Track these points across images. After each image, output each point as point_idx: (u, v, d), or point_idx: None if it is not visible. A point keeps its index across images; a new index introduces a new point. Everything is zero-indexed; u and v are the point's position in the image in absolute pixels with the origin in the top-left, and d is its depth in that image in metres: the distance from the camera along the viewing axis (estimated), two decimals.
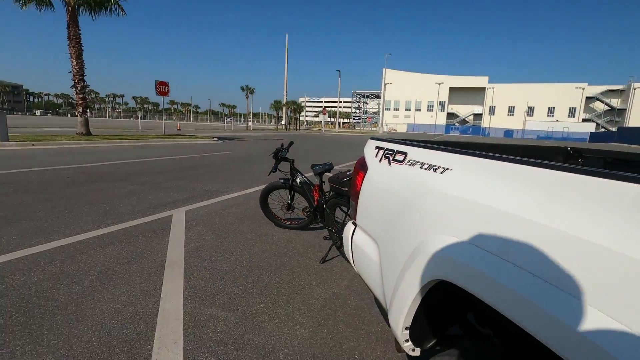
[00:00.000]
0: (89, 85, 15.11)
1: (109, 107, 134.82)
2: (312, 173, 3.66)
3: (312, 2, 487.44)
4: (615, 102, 75.09)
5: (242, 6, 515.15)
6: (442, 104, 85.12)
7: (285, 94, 60.16)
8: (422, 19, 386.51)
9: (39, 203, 4.79)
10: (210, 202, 5.39)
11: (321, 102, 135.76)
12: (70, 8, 13.93)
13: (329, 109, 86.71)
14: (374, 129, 78.30)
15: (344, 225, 3.16)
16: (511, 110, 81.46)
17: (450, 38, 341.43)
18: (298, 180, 3.87)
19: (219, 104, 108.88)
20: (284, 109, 58.68)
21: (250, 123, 57.78)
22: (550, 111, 78.35)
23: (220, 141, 18.96)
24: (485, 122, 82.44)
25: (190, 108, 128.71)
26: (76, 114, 15.03)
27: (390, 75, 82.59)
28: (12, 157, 9.08)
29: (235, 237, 3.87)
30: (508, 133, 77.02)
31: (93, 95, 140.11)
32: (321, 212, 3.60)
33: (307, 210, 4.05)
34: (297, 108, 59.30)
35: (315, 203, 3.64)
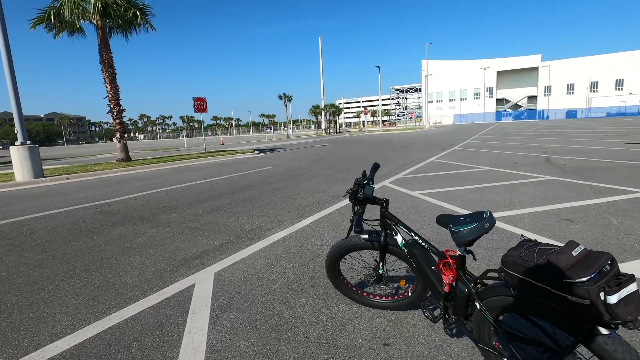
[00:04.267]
0: (125, 110, 14.62)
1: (159, 129, 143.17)
2: (436, 222, 1.87)
3: (342, 3, 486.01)
4: None
5: (273, 17, 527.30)
6: (489, 89, 79.09)
7: (322, 97, 58.96)
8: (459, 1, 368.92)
9: (18, 277, 3.50)
10: (249, 251, 3.82)
11: (359, 102, 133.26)
12: (100, 31, 13.48)
13: (369, 108, 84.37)
14: (418, 123, 74.35)
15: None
16: (570, 88, 73.46)
17: (493, 16, 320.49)
18: (399, 239, 2.12)
19: (259, 115, 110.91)
20: (323, 112, 57.40)
21: (290, 131, 57.21)
22: (619, 84, 69.40)
23: (261, 154, 17.81)
24: (540, 105, 75.10)
25: (233, 122, 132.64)
26: (114, 140, 14.59)
27: (431, 65, 78.25)
28: (40, 195, 8.34)
29: (292, 338, 2.21)
30: (570, 113, 69.42)
31: (145, 119, 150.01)
32: (462, 308, 1.79)
33: (411, 285, 2.33)
34: (336, 111, 57.73)
35: (447, 289, 1.85)
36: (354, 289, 2.56)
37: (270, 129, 53.46)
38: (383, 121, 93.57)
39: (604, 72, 69.93)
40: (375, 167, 2.41)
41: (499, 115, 77.35)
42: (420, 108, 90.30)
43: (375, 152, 15.24)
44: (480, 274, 1.67)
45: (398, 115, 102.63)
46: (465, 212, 4.90)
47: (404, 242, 2.07)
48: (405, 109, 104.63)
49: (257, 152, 18.28)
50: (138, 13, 13.85)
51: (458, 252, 1.70)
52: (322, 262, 3.33)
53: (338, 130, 59.99)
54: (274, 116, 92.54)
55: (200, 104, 19.15)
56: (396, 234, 2.11)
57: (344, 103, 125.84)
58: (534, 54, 75.75)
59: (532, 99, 77.54)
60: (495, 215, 4.91)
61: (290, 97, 54.91)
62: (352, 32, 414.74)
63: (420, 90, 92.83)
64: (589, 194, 5.62)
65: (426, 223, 4.51)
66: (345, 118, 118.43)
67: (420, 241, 1.98)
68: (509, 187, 6.40)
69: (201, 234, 4.55)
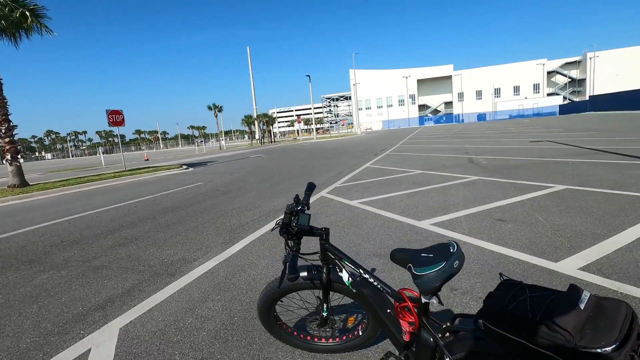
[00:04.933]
0: (16, 126, 12.32)
1: (71, 146, 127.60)
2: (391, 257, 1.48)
3: (269, 14, 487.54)
4: (575, 73, 77.24)
5: (199, 26, 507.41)
6: (412, 96, 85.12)
7: (254, 107, 57.79)
8: (381, 13, 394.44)
9: None
10: (168, 291, 3.17)
11: (292, 111, 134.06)
12: None
13: (302, 116, 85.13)
14: (350, 130, 76.95)
15: None
16: (479, 94, 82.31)
17: (411, 29, 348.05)
18: (345, 276, 1.73)
19: (188, 127, 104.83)
20: (256, 122, 56.26)
21: (223, 142, 54.95)
22: (516, 90, 79.60)
23: (190, 169, 16.51)
24: (456, 109, 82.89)
25: (159, 135, 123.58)
26: (4, 162, 12.24)
27: (359, 74, 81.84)
28: None
29: None
30: (481, 117, 77.63)
31: (53, 136, 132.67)
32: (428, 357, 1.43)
33: (362, 323, 1.97)
34: (269, 120, 57.03)
35: (407, 337, 1.49)
36: (295, 333, 2.12)
37: (201, 141, 50.76)
38: (317, 129, 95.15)
39: (504, 80, 79.79)
40: (311, 187, 2.01)
41: (422, 120, 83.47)
42: (351, 115, 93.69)
43: (311, 161, 15.05)
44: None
45: (331, 123, 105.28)
46: (407, 221, 4.79)
47: (351, 279, 1.69)
48: (337, 116, 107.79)
49: (185, 167, 16.91)
50: (28, 14, 11.86)
51: (421, 295, 1.35)
52: (258, 297, 2.85)
53: (273, 140, 59.27)
54: (204, 127, 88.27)
55: (115, 117, 17.20)
56: (341, 270, 1.72)
57: (277, 112, 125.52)
58: (447, 64, 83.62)
59: (449, 104, 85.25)
60: (433, 220, 4.91)
61: (221, 107, 52.84)
62: (281, 41, 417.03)
63: (350, 99, 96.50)
64: (513, 191, 5.94)
65: (368, 236, 4.27)
66: (279, 127, 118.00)
67: (372, 279, 1.62)
68: (442, 190, 6.55)
69: (108, 274, 3.73)
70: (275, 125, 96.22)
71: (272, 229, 1.90)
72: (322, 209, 5.85)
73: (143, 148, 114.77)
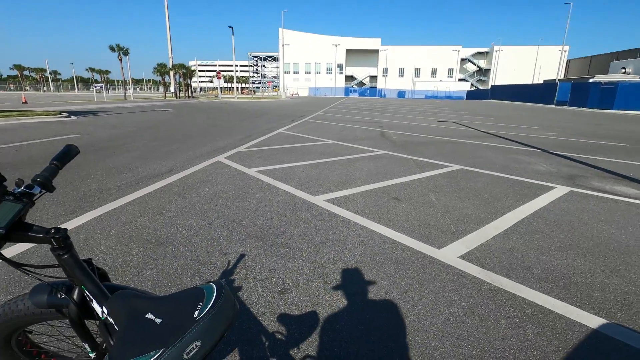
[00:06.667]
0: None
1: None
2: None
3: None
4: (483, 63, 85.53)
5: None
6: (340, 66, 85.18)
7: (170, 55, 51.40)
8: None
9: None
10: None
11: (215, 66, 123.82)
12: None
13: (225, 73, 79.18)
14: (275, 93, 74.33)
15: None
16: (401, 72, 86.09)
17: None
18: (99, 309, 0.93)
19: (86, 69, 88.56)
20: (171, 73, 50.31)
21: (130, 91, 48.14)
22: (434, 72, 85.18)
23: (72, 117, 13.75)
24: (380, 84, 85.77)
25: (48, 75, 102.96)
26: None
27: (288, 36, 78.41)
28: None
29: None
30: (401, 94, 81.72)
31: None
32: None
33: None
34: (187, 72, 51.46)
35: None
36: None
37: (101, 87, 43.50)
38: (241, 89, 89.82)
39: (424, 61, 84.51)
40: (64, 155, 1.11)
41: (347, 90, 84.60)
42: (278, 78, 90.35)
43: (222, 121, 13.71)
44: None
45: (255, 83, 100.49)
46: (301, 195, 4.29)
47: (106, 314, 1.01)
48: (264, 77, 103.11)
49: (65, 115, 14.03)
50: None
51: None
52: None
53: (191, 95, 54.02)
54: (107, 72, 75.44)
55: None
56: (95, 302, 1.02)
57: (198, 65, 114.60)
58: (376, 37, 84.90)
59: (374, 78, 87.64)
60: (329, 196, 4.47)
61: (127, 50, 45.51)
62: None
63: (278, 60, 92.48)
64: (414, 169, 5.89)
65: (251, 212, 3.67)
66: (200, 83, 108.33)
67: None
68: (347, 163, 6.24)
69: None
70: (195, 79, 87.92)
71: None
72: (211, 177, 5.05)
73: (27, 88, 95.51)
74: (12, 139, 8.05)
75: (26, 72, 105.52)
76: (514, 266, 2.65)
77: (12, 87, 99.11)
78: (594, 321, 2.03)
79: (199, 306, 0.65)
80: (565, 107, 34.81)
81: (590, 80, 36.19)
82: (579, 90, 34.13)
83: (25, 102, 25.13)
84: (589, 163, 6.76)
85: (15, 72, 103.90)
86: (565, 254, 2.87)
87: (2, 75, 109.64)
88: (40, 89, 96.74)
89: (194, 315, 0.64)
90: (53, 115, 13.32)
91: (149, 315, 0.66)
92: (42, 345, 1.35)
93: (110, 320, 0.82)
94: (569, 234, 3.28)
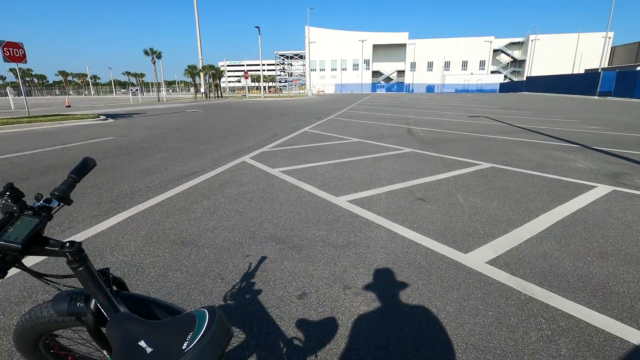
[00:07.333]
0: None
1: None
2: None
3: None
4: (517, 53, 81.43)
5: None
6: (366, 62, 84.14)
7: (200, 57, 53.09)
8: None
9: None
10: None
11: (243, 65, 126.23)
12: None
13: (252, 73, 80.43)
14: (302, 91, 74.67)
15: None
16: (430, 66, 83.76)
17: None
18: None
19: (123, 73, 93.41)
20: (201, 74, 51.86)
21: (163, 93, 50.08)
22: (464, 65, 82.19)
23: (108, 120, 14.49)
24: (407, 79, 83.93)
25: (89, 79, 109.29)
26: None
27: (314, 33, 78.44)
28: None
29: None
30: (429, 88, 79.58)
31: None
32: None
33: None
34: (217, 73, 52.84)
35: None
36: None
37: (136, 90, 45.66)
38: (268, 88, 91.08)
39: (454, 54, 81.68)
40: (82, 168, 1.08)
41: (374, 86, 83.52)
42: (305, 75, 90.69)
43: (249, 120, 13.95)
44: None
45: (280, 81, 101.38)
46: (324, 196, 4.28)
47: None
48: (291, 75, 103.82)
49: (103, 118, 14.81)
50: None
51: None
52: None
53: (221, 95, 55.45)
54: (142, 75, 79.31)
55: (12, 51, 14.27)
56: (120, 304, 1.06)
57: (227, 65, 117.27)
58: (403, 31, 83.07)
59: (401, 73, 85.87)
60: (352, 197, 4.42)
61: (159, 53, 47.35)
62: None
63: (305, 58, 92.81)
64: (441, 167, 5.71)
65: (274, 213, 3.69)
66: (229, 83, 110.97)
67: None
68: (372, 162, 6.15)
69: None
70: (224, 79, 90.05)
71: None
72: (236, 177, 5.14)
73: (70, 93, 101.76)
74: (54, 143, 8.59)
75: (69, 78, 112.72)
76: (547, 273, 2.49)
77: (57, 92, 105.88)
78: (637, 337, 1.86)
79: (189, 337, 0.64)
80: (609, 98, 32.52)
81: (638, 68, 33.57)
82: (625, 79, 31.74)
83: (69, 106, 26.81)
84: (635, 159, 6.26)
85: (60, 78, 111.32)
86: (605, 261, 2.67)
87: (48, 81, 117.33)
88: (82, 93, 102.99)
89: (182, 347, 0.63)
90: (92, 118, 14.09)
91: (142, 343, 0.66)
92: (69, 347, 1.42)
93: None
94: (610, 238, 3.04)
